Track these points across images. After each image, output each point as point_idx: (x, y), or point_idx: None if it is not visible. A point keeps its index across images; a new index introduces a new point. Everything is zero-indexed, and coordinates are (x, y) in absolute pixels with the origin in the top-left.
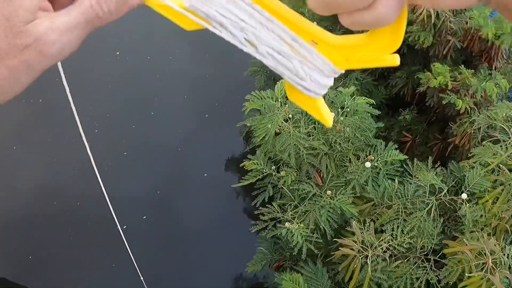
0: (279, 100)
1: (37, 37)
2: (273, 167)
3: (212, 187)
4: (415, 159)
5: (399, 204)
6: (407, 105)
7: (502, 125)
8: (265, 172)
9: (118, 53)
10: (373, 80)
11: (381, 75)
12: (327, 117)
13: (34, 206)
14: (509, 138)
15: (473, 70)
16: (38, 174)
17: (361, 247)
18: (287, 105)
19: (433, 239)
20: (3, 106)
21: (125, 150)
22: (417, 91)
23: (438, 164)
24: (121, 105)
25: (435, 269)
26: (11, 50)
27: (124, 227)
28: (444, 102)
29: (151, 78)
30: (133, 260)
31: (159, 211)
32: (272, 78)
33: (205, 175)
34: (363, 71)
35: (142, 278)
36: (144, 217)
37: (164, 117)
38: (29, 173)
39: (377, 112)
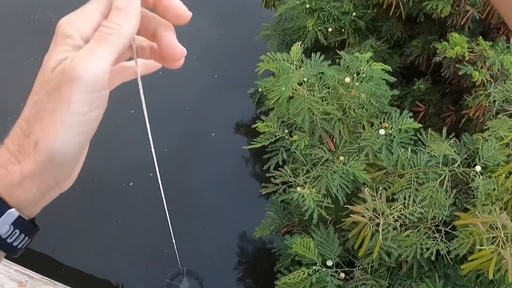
0: (295, 63)
1: None
2: (286, 131)
3: (220, 148)
4: (430, 129)
5: (411, 174)
6: (421, 75)
7: None
8: (278, 135)
9: None
10: (388, 48)
11: (396, 43)
12: None
13: None
14: None
15: (491, 42)
16: None
17: (373, 214)
18: (302, 68)
19: (445, 210)
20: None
21: (132, 108)
22: (432, 60)
23: (453, 135)
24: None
25: (445, 240)
26: None
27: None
28: (460, 73)
29: None
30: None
31: (165, 169)
32: (285, 43)
33: (213, 134)
34: (379, 38)
35: (172, 232)
36: (151, 174)
37: (173, 77)
38: None
39: (393, 79)
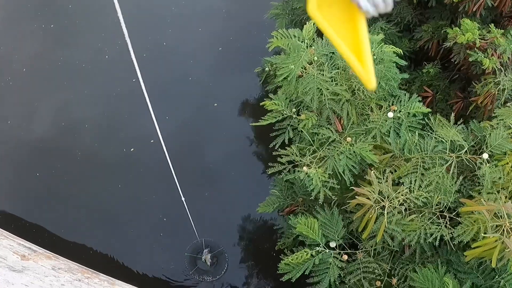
0: (306, 41)
1: None
2: (294, 110)
3: (223, 118)
4: (438, 114)
5: (418, 158)
6: (430, 60)
7: None
8: (285, 114)
9: None
10: (398, 31)
11: (406, 27)
12: (367, 63)
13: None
14: None
15: (502, 30)
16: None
17: (378, 197)
18: (313, 47)
19: (450, 196)
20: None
21: (133, 77)
22: (442, 46)
23: (461, 121)
24: (133, 34)
25: (449, 226)
26: None
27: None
28: (470, 59)
29: (165, 10)
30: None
31: (166, 138)
32: (293, 22)
33: (215, 104)
34: (389, 21)
35: (183, 199)
36: (152, 141)
37: (176, 48)
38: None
39: (404, 62)
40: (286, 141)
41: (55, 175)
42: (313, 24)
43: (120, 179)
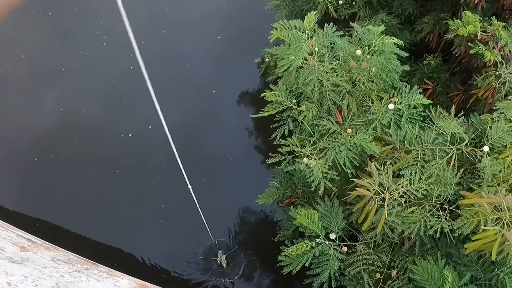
0: (307, 32)
1: None
2: (294, 101)
3: (222, 106)
4: (438, 106)
5: (418, 150)
6: (431, 53)
7: None
8: (286, 105)
9: None
10: (398, 23)
11: (407, 19)
12: None
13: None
14: None
15: (503, 23)
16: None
17: (378, 189)
18: (314, 38)
19: (450, 189)
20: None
21: (131, 64)
22: (444, 38)
23: (461, 114)
24: (131, 22)
25: (449, 219)
26: None
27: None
28: (472, 52)
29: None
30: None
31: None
32: (294, 13)
33: (213, 91)
34: (390, 13)
35: (190, 187)
36: (150, 127)
37: (175, 35)
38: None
39: (405, 54)
40: (286, 133)
41: (53, 162)
42: (314, 15)
43: (118, 164)
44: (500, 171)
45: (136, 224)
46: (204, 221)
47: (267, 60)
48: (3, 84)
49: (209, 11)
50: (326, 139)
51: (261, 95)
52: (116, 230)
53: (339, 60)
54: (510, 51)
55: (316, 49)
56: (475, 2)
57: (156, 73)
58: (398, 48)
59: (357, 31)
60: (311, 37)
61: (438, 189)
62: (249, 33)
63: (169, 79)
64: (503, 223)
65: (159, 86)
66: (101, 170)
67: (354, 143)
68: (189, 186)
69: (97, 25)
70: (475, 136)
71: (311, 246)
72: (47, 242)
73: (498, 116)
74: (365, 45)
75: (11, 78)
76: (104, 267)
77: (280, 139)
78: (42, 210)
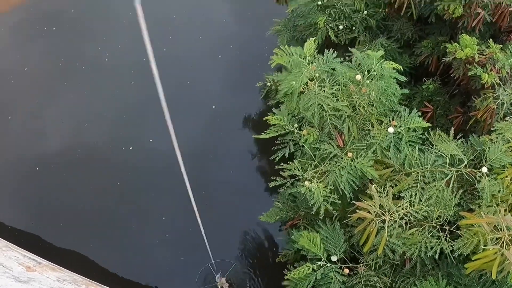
0: (307, 58)
1: None
2: (296, 125)
3: (220, 118)
4: (437, 129)
5: (418, 173)
6: (430, 76)
7: None
8: (287, 129)
9: None
10: (398, 47)
11: (407, 43)
12: None
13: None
14: None
15: (501, 45)
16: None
17: (379, 211)
18: (314, 64)
19: (450, 210)
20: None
21: (132, 80)
22: (442, 61)
23: (460, 135)
24: (133, 39)
25: (449, 239)
26: None
27: (130, 148)
28: (470, 74)
29: (167, 16)
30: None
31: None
32: (295, 38)
33: (213, 107)
34: (389, 37)
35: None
36: (151, 140)
37: (176, 52)
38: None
39: (404, 78)
40: (287, 155)
41: (53, 176)
42: (314, 41)
43: (118, 176)
44: (499, 191)
45: (137, 248)
46: (206, 242)
47: (268, 84)
48: (5, 93)
49: (210, 31)
50: (327, 163)
51: (264, 118)
52: (121, 256)
53: (339, 85)
54: (507, 72)
55: (317, 74)
56: (473, 25)
57: (153, 91)
58: (397, 72)
59: (356, 57)
60: (312, 62)
61: (438, 210)
62: (249, 52)
63: (170, 96)
64: (503, 242)
65: (155, 103)
66: (102, 182)
67: (355, 167)
68: (195, 208)
69: (99, 42)
70: (474, 157)
71: (313, 269)
72: (51, 263)
73: (496, 137)
74: (365, 70)
75: (13, 89)
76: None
77: (282, 163)
78: (43, 229)
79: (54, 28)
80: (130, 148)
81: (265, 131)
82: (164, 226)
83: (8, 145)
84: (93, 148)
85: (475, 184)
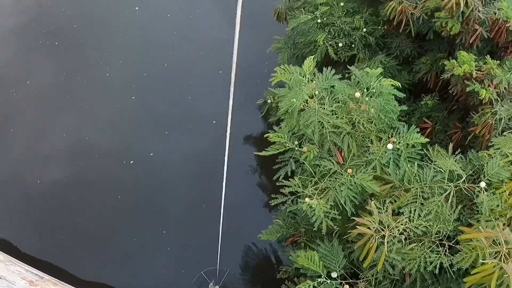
0: (307, 76)
1: None
2: (296, 142)
3: (221, 134)
4: (436, 145)
5: (417, 188)
6: (429, 92)
7: None
8: (288, 146)
9: (137, 8)
10: (397, 64)
11: (405, 59)
12: None
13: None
14: None
15: (498, 61)
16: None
17: (378, 227)
18: (314, 81)
19: (449, 225)
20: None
21: (133, 95)
22: (440, 77)
23: (459, 151)
24: (135, 54)
25: (448, 254)
26: None
27: (131, 162)
28: (468, 90)
29: (168, 33)
30: None
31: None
32: (295, 56)
33: (214, 122)
34: (388, 54)
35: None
36: (151, 154)
37: (177, 69)
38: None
39: (402, 95)
40: (289, 173)
41: (55, 191)
42: (313, 59)
43: (118, 191)
44: (498, 205)
45: (138, 262)
46: (219, 253)
47: (269, 101)
48: (7, 105)
49: (210, 48)
50: (327, 179)
51: (265, 136)
52: (122, 270)
53: (338, 102)
54: (505, 88)
55: (317, 92)
56: (470, 41)
57: (156, 104)
58: (395, 89)
59: (355, 74)
60: (311, 80)
61: (437, 225)
62: (250, 68)
63: (170, 112)
64: (501, 256)
65: (156, 117)
66: (100, 194)
67: (355, 183)
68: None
69: (101, 57)
70: (473, 172)
71: (313, 286)
72: (53, 278)
73: (495, 152)
74: (364, 87)
75: (15, 101)
76: None
77: (283, 180)
78: (44, 244)
79: (56, 43)
80: (131, 162)
81: (266, 149)
82: (165, 240)
83: (9, 160)
84: (94, 161)
85: (473, 199)
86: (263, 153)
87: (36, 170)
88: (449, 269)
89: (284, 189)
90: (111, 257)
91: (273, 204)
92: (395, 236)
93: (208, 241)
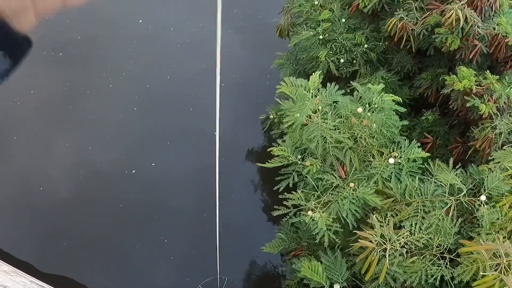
0: (311, 91)
1: None
2: (299, 156)
3: (223, 146)
4: (437, 159)
5: (418, 202)
6: (430, 107)
7: None
8: (291, 160)
9: (140, 20)
10: (398, 80)
11: (406, 75)
12: None
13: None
14: None
15: (497, 76)
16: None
17: (380, 240)
18: (318, 97)
19: (450, 238)
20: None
21: (135, 106)
22: (441, 93)
23: (459, 165)
24: (138, 66)
25: (449, 267)
26: None
27: (133, 171)
28: (468, 105)
29: (171, 46)
30: None
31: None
32: (297, 72)
33: (215, 133)
34: (389, 70)
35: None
36: (153, 164)
37: (179, 81)
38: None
39: (403, 110)
40: (291, 185)
41: (56, 199)
42: (319, 75)
43: (121, 199)
44: (498, 218)
45: (141, 271)
46: (218, 263)
47: (271, 116)
48: (12, 116)
49: (213, 61)
50: (329, 193)
51: (268, 149)
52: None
53: (341, 117)
54: (505, 102)
55: (320, 107)
56: (470, 56)
57: (157, 117)
58: (396, 104)
59: (357, 90)
60: (315, 95)
61: (438, 238)
62: (252, 83)
63: (171, 124)
64: (501, 268)
65: (157, 129)
66: (105, 206)
67: (357, 196)
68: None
69: (105, 68)
70: (474, 186)
71: None
72: None
73: (495, 166)
74: (366, 103)
75: (18, 110)
76: None
77: (285, 193)
78: (46, 254)
79: (60, 54)
80: (133, 171)
81: (269, 160)
82: (167, 249)
83: (13, 167)
84: (96, 170)
85: (474, 213)
86: (266, 165)
87: (39, 178)
88: (450, 281)
89: (287, 201)
90: (113, 265)
91: (275, 215)
92: (397, 249)
93: (209, 251)
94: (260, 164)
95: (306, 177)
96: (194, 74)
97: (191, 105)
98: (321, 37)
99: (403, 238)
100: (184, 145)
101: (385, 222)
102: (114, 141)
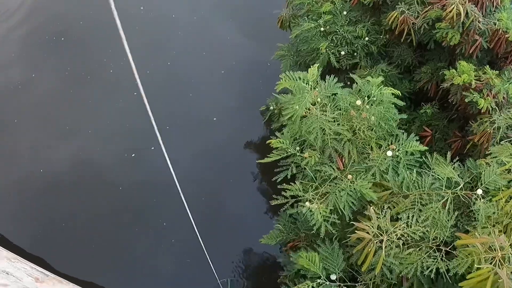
0: (310, 83)
1: None
2: (297, 148)
3: (222, 134)
4: (435, 153)
5: (415, 195)
6: (429, 101)
7: None
8: (290, 151)
9: (142, 7)
10: (398, 73)
11: (407, 68)
12: None
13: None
14: None
15: (497, 71)
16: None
17: (377, 232)
18: (316, 89)
19: (446, 231)
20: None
21: (135, 91)
22: (440, 87)
23: (457, 159)
24: (138, 52)
25: (445, 260)
26: None
27: (133, 155)
28: (467, 100)
29: (172, 33)
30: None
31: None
32: (298, 63)
33: (214, 119)
34: (390, 63)
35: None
36: (153, 148)
37: (179, 67)
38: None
39: (402, 103)
40: (289, 177)
41: (59, 197)
42: (317, 67)
43: (119, 183)
44: (494, 212)
45: (139, 263)
46: (210, 262)
47: (271, 108)
48: (14, 100)
49: (213, 48)
50: (327, 185)
51: (267, 142)
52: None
53: (340, 109)
54: (504, 97)
55: (319, 99)
56: (470, 51)
57: (158, 102)
58: (395, 98)
59: (357, 83)
60: (314, 88)
61: (434, 231)
62: (252, 72)
63: (171, 109)
64: (496, 261)
65: (160, 115)
66: (104, 188)
67: (354, 189)
68: (196, 231)
69: (105, 53)
70: (471, 180)
71: (312, 287)
72: (58, 276)
73: (492, 160)
74: (365, 96)
75: (18, 95)
76: None
77: (284, 184)
78: (47, 244)
79: (62, 38)
80: (133, 155)
81: (268, 155)
82: (166, 235)
83: (14, 150)
84: (97, 154)
85: (470, 206)
86: (264, 160)
87: (39, 161)
88: (446, 274)
89: (285, 192)
90: (113, 248)
91: (273, 204)
92: (393, 241)
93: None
94: (259, 161)
95: (304, 168)
96: (195, 61)
97: (190, 91)
98: (322, 29)
99: (399, 230)
100: (183, 130)
101: (382, 214)
102: (114, 126)
